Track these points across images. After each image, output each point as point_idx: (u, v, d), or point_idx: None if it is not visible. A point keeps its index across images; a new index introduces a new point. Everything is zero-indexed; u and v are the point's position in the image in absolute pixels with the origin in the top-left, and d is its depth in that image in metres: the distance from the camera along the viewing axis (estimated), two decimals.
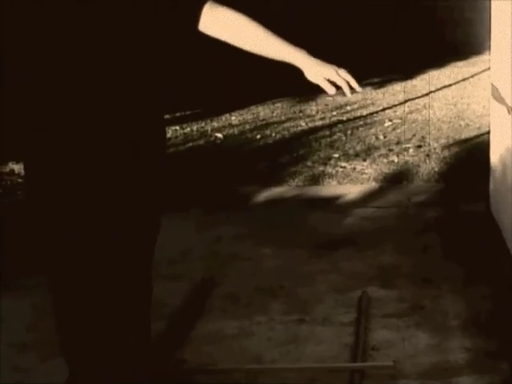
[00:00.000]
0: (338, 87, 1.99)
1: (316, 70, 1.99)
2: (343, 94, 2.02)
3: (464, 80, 7.76)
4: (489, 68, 4.12)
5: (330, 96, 1.99)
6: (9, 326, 2.96)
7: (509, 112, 2.93)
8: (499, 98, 3.18)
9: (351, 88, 2.00)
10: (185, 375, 2.70)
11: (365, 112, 6.73)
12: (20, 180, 4.78)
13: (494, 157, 3.73)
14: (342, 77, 1.99)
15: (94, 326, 1.91)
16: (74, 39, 1.78)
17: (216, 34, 1.99)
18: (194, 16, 1.96)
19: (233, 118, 6.78)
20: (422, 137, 5.74)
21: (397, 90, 7.53)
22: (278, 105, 7.19)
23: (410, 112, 6.56)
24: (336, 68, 2.01)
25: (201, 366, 2.74)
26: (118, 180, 1.87)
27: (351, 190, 4.63)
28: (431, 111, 6.50)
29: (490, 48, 3.91)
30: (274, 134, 6.12)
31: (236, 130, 6.36)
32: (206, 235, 4.00)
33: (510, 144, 3.25)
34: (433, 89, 7.35)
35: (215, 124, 6.59)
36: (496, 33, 3.60)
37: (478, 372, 2.58)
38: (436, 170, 4.93)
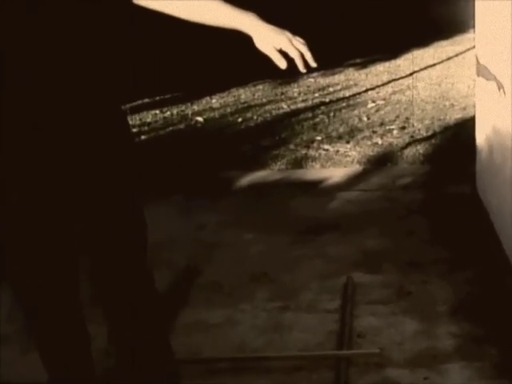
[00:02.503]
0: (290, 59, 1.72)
1: (266, 38, 1.72)
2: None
3: (448, 59, 7.70)
4: (473, 47, 4.06)
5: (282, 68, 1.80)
6: None
7: (499, 88, 2.86)
8: (489, 76, 3.11)
9: (306, 63, 1.72)
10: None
11: (347, 93, 6.67)
12: None
13: (480, 137, 3.68)
14: (296, 47, 1.72)
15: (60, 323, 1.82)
16: (14, 34, 1.63)
17: (150, 3, 1.73)
18: None
19: (213, 101, 6.70)
20: (406, 118, 5.69)
21: (380, 71, 7.47)
22: (260, 87, 7.12)
23: (394, 93, 6.50)
24: (290, 36, 1.73)
25: (185, 356, 2.68)
26: (71, 174, 1.72)
27: (335, 173, 4.58)
28: (415, 92, 6.45)
29: (474, 26, 3.84)
30: (255, 117, 6.05)
31: (217, 114, 6.28)
32: (188, 222, 3.94)
33: (496, 124, 3.19)
34: (416, 69, 7.30)
35: (195, 107, 6.52)
36: (480, 10, 3.54)
37: (467, 358, 2.54)
38: (421, 151, 4.89)
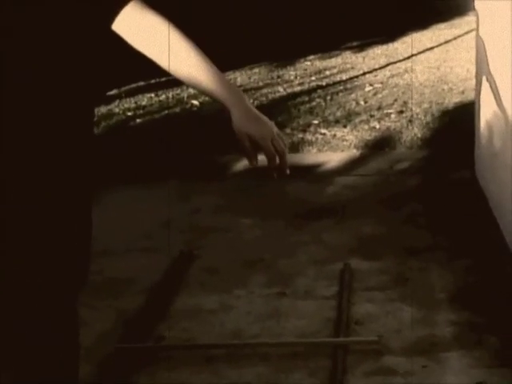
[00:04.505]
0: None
1: (245, 125, 1.52)
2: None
3: (447, 42, 7.65)
4: (472, 30, 4.02)
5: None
6: None
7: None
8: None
9: (280, 168, 1.50)
10: (163, 351, 2.62)
11: (344, 76, 6.61)
12: None
13: (480, 122, 3.64)
14: (275, 146, 1.51)
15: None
16: None
17: (132, 41, 1.59)
18: (110, 13, 1.55)
19: None
20: (404, 102, 5.64)
21: (377, 54, 7.41)
22: (256, 70, 7.06)
23: (392, 76, 6.45)
24: (273, 132, 1.52)
25: (180, 342, 2.66)
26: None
27: (332, 158, 4.54)
28: (413, 75, 6.40)
29: (473, 9, 3.80)
30: (251, 101, 5.99)
31: None
32: (183, 206, 3.91)
33: (496, 109, 3.15)
34: (415, 52, 7.23)
35: (191, 91, 6.45)
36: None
37: (466, 346, 2.52)
38: (419, 136, 4.85)
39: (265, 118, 1.57)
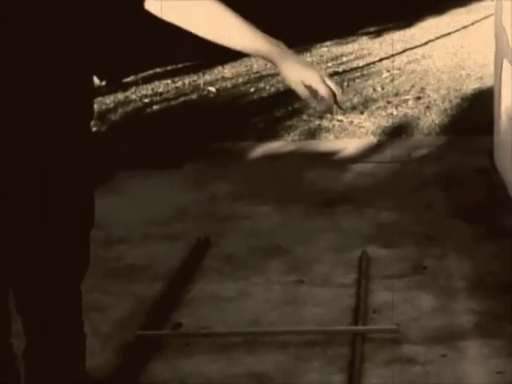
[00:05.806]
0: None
1: (295, 72, 1.63)
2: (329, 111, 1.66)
3: (464, 28, 7.58)
4: (490, 15, 3.97)
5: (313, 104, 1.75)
6: None
7: None
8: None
9: (336, 103, 1.63)
10: (182, 338, 2.62)
11: (361, 63, 6.57)
12: None
13: (499, 108, 3.60)
14: (329, 85, 1.63)
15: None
16: None
17: (167, 16, 1.65)
18: None
19: (225, 70, 6.62)
20: (422, 88, 5.60)
21: (394, 40, 7.35)
22: None
23: (409, 62, 6.41)
24: (322, 72, 1.64)
25: (197, 330, 2.66)
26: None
27: (349, 145, 4.51)
28: (430, 61, 6.35)
29: None
30: (268, 87, 5.98)
31: (229, 84, 6.21)
32: (200, 193, 3.90)
33: None
34: (432, 37, 7.18)
35: (208, 77, 6.44)
36: None
37: (485, 335, 2.49)
38: (437, 122, 4.81)
39: (311, 64, 1.71)
